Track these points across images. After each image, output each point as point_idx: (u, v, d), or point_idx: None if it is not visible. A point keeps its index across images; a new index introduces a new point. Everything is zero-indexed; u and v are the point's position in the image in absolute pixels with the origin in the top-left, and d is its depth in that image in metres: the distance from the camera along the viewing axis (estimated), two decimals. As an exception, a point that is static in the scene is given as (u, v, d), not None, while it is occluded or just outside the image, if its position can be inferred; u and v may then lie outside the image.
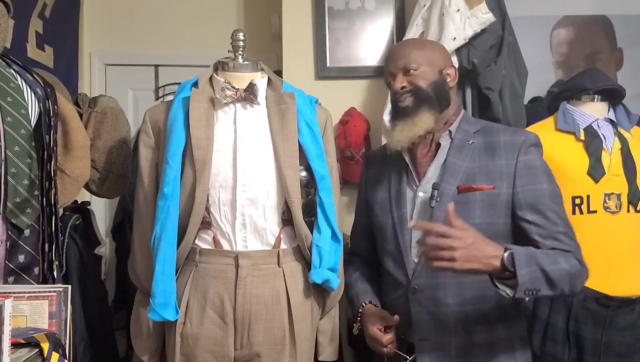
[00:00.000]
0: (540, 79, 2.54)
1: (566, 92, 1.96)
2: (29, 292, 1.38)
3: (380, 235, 1.62)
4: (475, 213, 1.47)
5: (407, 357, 1.49)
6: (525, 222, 1.47)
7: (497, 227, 1.48)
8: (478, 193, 1.48)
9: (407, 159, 1.58)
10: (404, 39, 2.29)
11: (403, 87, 1.54)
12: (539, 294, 1.35)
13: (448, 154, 1.54)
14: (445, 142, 1.56)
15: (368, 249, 1.73)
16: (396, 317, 1.49)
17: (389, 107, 2.27)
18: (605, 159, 1.81)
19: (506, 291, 1.33)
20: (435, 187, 1.49)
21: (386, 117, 2.26)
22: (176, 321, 1.51)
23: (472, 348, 1.47)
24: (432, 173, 1.54)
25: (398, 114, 1.56)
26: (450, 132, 1.57)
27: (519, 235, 1.49)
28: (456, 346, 1.47)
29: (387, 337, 1.49)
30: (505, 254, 1.33)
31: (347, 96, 2.51)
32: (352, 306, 1.66)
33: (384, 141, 2.28)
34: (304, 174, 1.58)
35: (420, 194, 1.54)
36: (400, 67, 1.56)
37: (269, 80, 1.66)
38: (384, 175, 1.65)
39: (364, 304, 1.60)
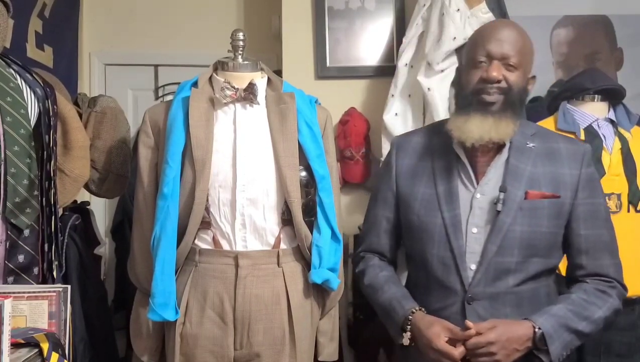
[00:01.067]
0: (540, 79, 2.52)
1: (566, 92, 1.96)
2: (29, 292, 1.37)
3: (423, 236, 1.46)
4: (543, 221, 1.39)
5: None
6: (577, 236, 1.43)
7: (558, 237, 1.43)
8: (546, 201, 1.40)
9: (462, 155, 1.45)
10: (405, 39, 2.28)
11: (499, 80, 1.38)
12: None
13: (509, 155, 1.43)
14: (506, 142, 1.44)
15: (391, 247, 1.59)
16: (470, 324, 1.33)
17: (389, 107, 2.27)
18: (605, 158, 1.81)
19: (542, 359, 1.34)
20: (502, 190, 1.39)
21: (386, 117, 2.26)
22: (176, 321, 1.51)
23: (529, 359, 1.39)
24: (493, 174, 1.43)
25: (479, 106, 1.39)
26: None
27: (564, 246, 1.46)
28: (515, 358, 1.36)
29: (460, 351, 1.33)
30: (537, 336, 1.33)
31: (347, 96, 2.51)
32: (390, 313, 1.47)
33: (384, 141, 2.28)
34: (303, 174, 1.58)
35: (478, 195, 1.42)
36: (503, 54, 1.39)
37: (269, 80, 1.66)
38: (425, 168, 1.50)
39: (413, 311, 1.43)
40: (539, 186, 1.40)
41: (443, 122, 1.51)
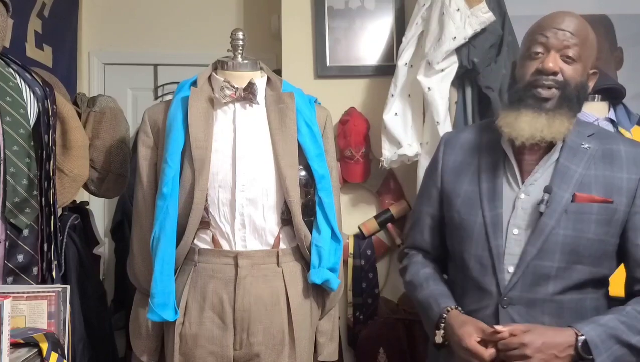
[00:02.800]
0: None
1: (566, 91, 1.95)
2: (28, 292, 1.37)
3: (463, 234, 1.40)
4: (590, 227, 1.30)
5: None
6: (635, 246, 1.33)
7: (609, 246, 1.33)
8: (596, 205, 1.30)
9: (509, 152, 1.38)
10: (405, 39, 2.28)
11: (555, 73, 1.31)
12: None
13: (560, 155, 1.35)
14: (558, 142, 1.36)
15: (435, 245, 1.53)
16: (500, 328, 1.25)
17: (389, 106, 2.27)
18: (605, 158, 1.81)
19: None
20: (547, 190, 1.31)
21: (386, 117, 2.25)
22: (175, 321, 1.50)
23: None
24: (541, 174, 1.35)
25: (533, 100, 1.32)
26: None
27: (621, 258, 1.37)
28: None
29: (490, 353, 1.26)
30: (580, 343, 1.22)
31: (347, 96, 2.51)
32: (427, 310, 1.42)
33: (384, 141, 2.28)
34: (303, 173, 1.57)
35: (522, 195, 1.35)
36: (561, 45, 1.31)
37: (268, 79, 1.66)
38: (471, 165, 1.44)
39: (449, 309, 1.37)
40: (590, 189, 1.32)
41: (494, 120, 1.45)
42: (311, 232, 1.57)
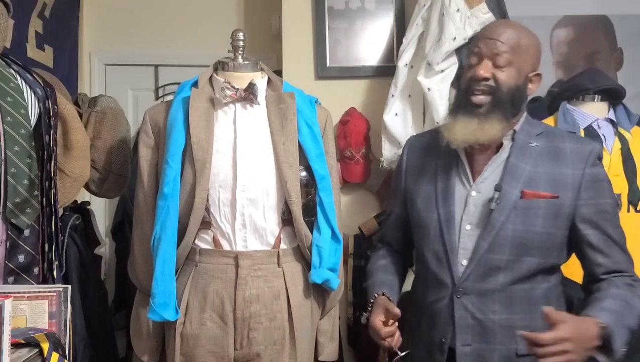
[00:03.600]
0: (540, 79, 2.54)
1: (566, 92, 1.96)
2: (29, 292, 1.38)
3: (422, 230, 1.51)
4: (537, 221, 1.39)
5: (399, 352, 1.42)
6: (587, 235, 1.41)
7: (556, 238, 1.42)
8: (542, 201, 1.39)
9: (461, 153, 1.48)
10: (405, 39, 2.28)
11: (486, 79, 1.41)
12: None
13: (510, 154, 1.44)
14: (507, 141, 1.45)
15: (399, 240, 1.66)
16: (397, 310, 1.39)
17: (389, 107, 2.27)
18: (605, 159, 1.81)
19: (600, 358, 1.28)
20: (497, 188, 1.40)
21: (386, 117, 2.26)
22: (176, 321, 1.51)
23: (515, 359, 1.39)
24: (490, 173, 1.44)
25: (467, 107, 1.42)
26: (514, 131, 1.46)
27: (574, 248, 1.46)
28: (500, 355, 1.39)
29: (387, 330, 1.40)
30: (602, 333, 1.25)
31: (347, 96, 2.51)
32: (368, 295, 1.57)
33: (384, 141, 2.28)
34: (304, 174, 1.58)
35: (474, 193, 1.44)
36: (492, 53, 1.41)
37: (269, 80, 1.66)
38: (429, 166, 1.54)
39: (376, 295, 1.51)
40: (538, 186, 1.40)
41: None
42: (311, 232, 1.57)
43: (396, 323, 1.43)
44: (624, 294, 1.36)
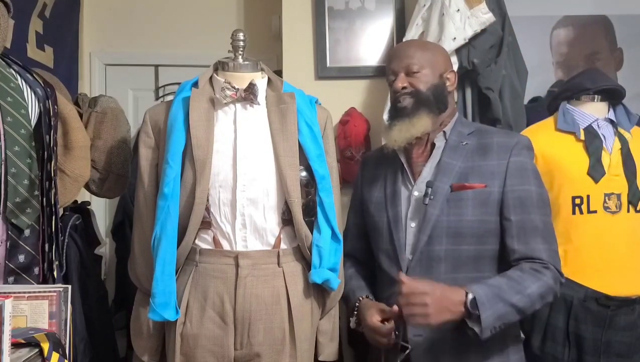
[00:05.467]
0: (540, 79, 2.54)
1: (566, 92, 1.96)
2: (29, 292, 1.38)
3: (375, 234, 1.65)
4: (468, 211, 1.51)
5: (408, 345, 1.48)
6: (507, 221, 1.51)
7: (489, 225, 1.52)
8: (470, 191, 1.51)
9: (402, 159, 1.62)
10: (405, 39, 2.29)
11: (404, 88, 1.58)
12: (509, 324, 1.43)
13: (442, 154, 1.58)
14: (440, 142, 1.60)
15: (362, 249, 1.76)
16: (395, 307, 1.46)
17: (389, 106, 2.27)
18: (605, 159, 1.81)
19: (474, 330, 1.37)
20: (429, 185, 1.53)
21: (386, 117, 2.26)
22: (176, 321, 1.51)
23: (467, 346, 1.47)
24: (427, 173, 1.58)
25: (397, 113, 1.59)
26: (444, 133, 1.61)
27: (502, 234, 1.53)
28: (451, 342, 1.48)
29: (388, 327, 1.49)
30: (469, 299, 1.37)
31: (347, 96, 2.51)
32: (347, 302, 1.68)
33: (384, 141, 2.28)
34: (304, 174, 1.58)
35: (415, 193, 1.58)
36: (402, 66, 1.59)
37: (269, 80, 1.66)
38: (380, 176, 1.69)
39: (360, 299, 1.62)
40: (467, 179, 1.52)
41: None
42: (312, 232, 1.57)
43: (392, 321, 1.50)
44: (516, 274, 1.45)
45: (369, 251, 1.73)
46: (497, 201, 1.51)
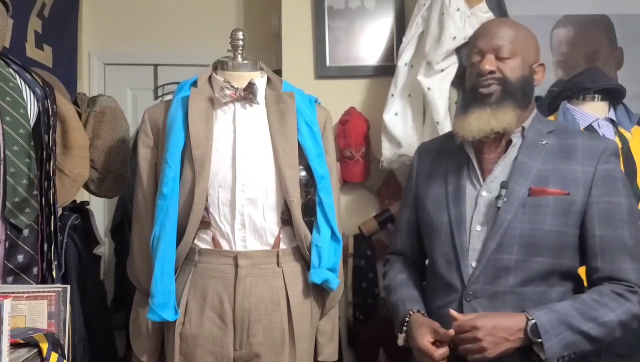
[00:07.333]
0: (540, 79, 2.53)
1: (566, 91, 1.96)
2: (28, 292, 1.38)
3: (432, 234, 1.48)
4: (546, 219, 1.34)
5: None
6: (592, 237, 1.35)
7: (568, 237, 1.35)
8: (551, 198, 1.34)
9: (471, 153, 1.45)
10: (405, 38, 2.28)
11: (492, 72, 1.39)
12: (582, 352, 1.30)
13: (519, 152, 1.40)
14: (516, 139, 1.42)
15: (413, 248, 1.61)
16: (451, 331, 1.31)
17: (389, 106, 2.27)
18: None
19: (540, 354, 1.26)
20: (503, 186, 1.37)
21: (386, 117, 2.25)
22: (175, 321, 1.50)
23: None
24: (500, 171, 1.41)
25: (476, 99, 1.41)
26: (523, 129, 1.43)
27: (583, 249, 1.38)
28: (513, 360, 1.31)
29: (440, 352, 1.33)
30: (529, 325, 1.26)
31: (347, 96, 2.51)
32: (396, 313, 1.50)
33: (384, 141, 2.28)
34: (303, 173, 1.57)
35: (484, 193, 1.41)
36: (492, 47, 1.40)
37: (269, 79, 1.66)
38: (439, 170, 1.52)
39: (411, 313, 1.44)
40: (547, 183, 1.36)
41: None
42: (311, 232, 1.57)
43: (446, 344, 1.35)
44: (591, 298, 1.30)
45: (419, 249, 1.59)
46: (579, 212, 1.35)
